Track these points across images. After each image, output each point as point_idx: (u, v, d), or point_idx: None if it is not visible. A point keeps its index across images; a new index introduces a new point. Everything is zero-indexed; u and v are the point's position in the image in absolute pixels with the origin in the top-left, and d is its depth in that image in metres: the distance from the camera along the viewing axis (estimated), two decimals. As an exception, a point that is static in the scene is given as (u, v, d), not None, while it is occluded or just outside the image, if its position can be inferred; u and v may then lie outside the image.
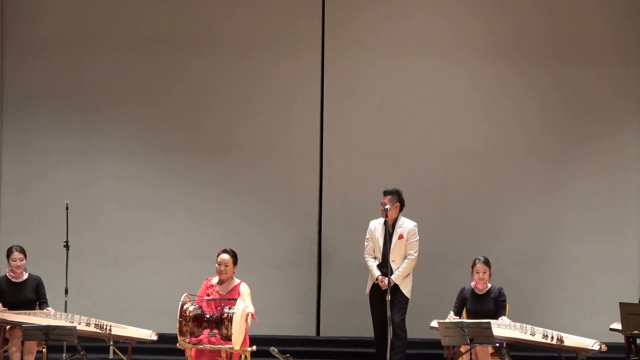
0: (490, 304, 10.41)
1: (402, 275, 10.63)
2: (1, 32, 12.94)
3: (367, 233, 11.01)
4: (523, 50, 12.77)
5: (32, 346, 10.36)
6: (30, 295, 10.68)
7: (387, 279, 10.73)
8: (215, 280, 9.98)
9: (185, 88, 12.84)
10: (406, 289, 10.76)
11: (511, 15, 12.79)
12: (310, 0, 12.78)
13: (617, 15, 12.66)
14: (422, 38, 12.82)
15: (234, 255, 10.10)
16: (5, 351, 10.58)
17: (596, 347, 9.94)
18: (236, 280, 9.99)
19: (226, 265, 9.97)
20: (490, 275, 10.53)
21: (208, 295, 9.97)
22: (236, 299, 9.68)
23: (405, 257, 10.73)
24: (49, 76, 12.93)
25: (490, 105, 12.79)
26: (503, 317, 10.26)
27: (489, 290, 10.42)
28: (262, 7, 12.81)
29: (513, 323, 10.23)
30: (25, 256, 10.75)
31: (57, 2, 12.84)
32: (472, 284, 10.47)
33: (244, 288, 9.90)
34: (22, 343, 10.32)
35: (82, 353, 9.91)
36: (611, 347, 10.29)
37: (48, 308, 10.89)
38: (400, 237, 10.70)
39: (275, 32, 12.83)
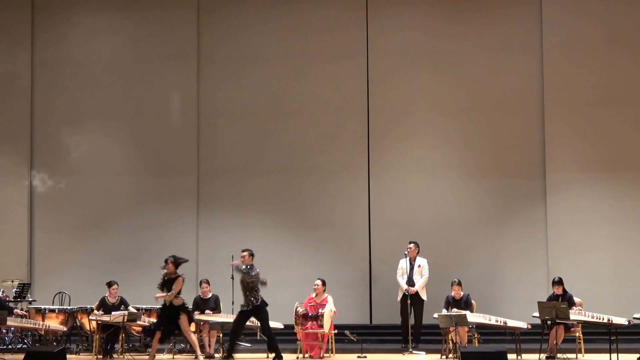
0: (463, 305, 13.30)
1: (421, 286, 13.95)
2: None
3: (399, 265, 14.17)
4: (477, 168, 15.93)
5: (214, 333, 13.52)
6: (211, 305, 13.92)
7: (413, 288, 13.81)
8: (313, 295, 13.59)
9: (288, 197, 16.31)
10: (424, 296, 14.07)
11: (470, 146, 15.96)
12: (358, 142, 16.14)
13: (525, 144, 15.58)
14: (422, 162, 16.04)
15: (323, 282, 13.43)
16: (201, 335, 13.55)
17: (525, 326, 12.63)
18: (325, 294, 13.52)
19: (317, 286, 13.41)
20: (462, 289, 13.36)
21: (310, 303, 13.44)
22: (324, 305, 13.27)
23: (422, 277, 13.97)
24: (224, 192, 16.42)
25: (460, 201, 15.93)
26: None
27: (462, 297, 13.37)
28: (329, 147, 16.16)
29: (479, 314, 13.04)
30: (209, 284, 14.05)
31: (232, 157, 16.14)
32: (453, 294, 13.41)
33: (330, 298, 13.48)
34: (209, 331, 13.45)
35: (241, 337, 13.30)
36: (534, 325, 12.85)
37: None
38: (419, 266, 14.05)
39: (337, 161, 16.19)
